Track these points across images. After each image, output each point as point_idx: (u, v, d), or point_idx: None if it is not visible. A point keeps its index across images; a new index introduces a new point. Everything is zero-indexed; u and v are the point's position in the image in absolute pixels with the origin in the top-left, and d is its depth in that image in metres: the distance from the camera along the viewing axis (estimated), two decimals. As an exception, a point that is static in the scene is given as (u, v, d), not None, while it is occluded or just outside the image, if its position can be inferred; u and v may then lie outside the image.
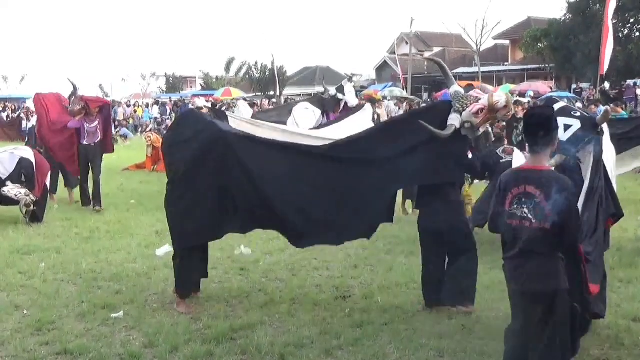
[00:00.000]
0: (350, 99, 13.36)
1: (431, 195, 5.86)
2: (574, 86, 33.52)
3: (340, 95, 13.32)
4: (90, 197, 11.10)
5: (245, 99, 30.09)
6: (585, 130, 5.08)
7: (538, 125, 3.86)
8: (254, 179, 5.73)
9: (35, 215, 9.72)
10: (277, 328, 5.46)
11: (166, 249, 8.00)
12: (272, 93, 43.42)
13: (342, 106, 13.25)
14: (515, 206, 3.79)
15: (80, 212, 10.91)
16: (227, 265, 7.43)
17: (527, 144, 4.05)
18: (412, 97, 34.24)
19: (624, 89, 27.26)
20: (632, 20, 32.24)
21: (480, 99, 5.51)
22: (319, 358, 4.86)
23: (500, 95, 5.54)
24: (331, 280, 6.82)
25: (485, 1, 74.02)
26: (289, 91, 47.77)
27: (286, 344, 5.05)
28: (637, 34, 32.46)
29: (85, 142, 11.09)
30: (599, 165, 5.00)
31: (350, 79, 14.66)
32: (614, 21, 22.66)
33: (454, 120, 5.51)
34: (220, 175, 5.75)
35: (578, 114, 5.26)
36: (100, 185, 11.07)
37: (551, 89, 32.50)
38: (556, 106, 5.31)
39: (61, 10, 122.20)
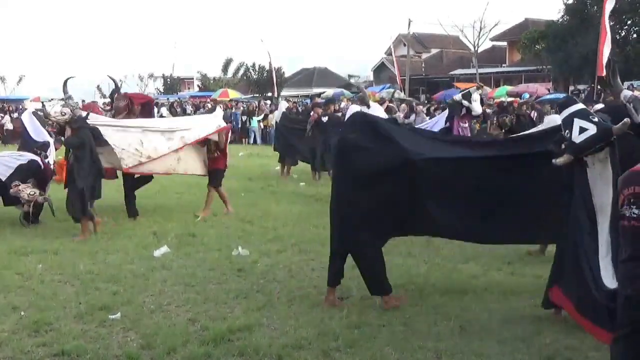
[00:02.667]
0: (475, 107, 12.99)
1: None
2: (571, 88, 33.56)
3: (465, 102, 13.04)
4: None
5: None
6: (599, 137, 5.02)
7: None
8: (428, 203, 5.87)
9: (31, 217, 9.65)
10: (275, 329, 5.45)
11: (164, 250, 8.00)
12: (269, 94, 43.39)
13: (463, 112, 12.91)
14: (626, 207, 3.71)
15: (77, 213, 10.86)
16: (224, 266, 7.42)
17: None
18: (409, 98, 34.36)
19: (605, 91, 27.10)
20: (629, 22, 32.31)
21: None
22: (316, 359, 4.86)
23: None
24: (329, 281, 6.81)
25: (482, 3, 74.24)
26: (286, 92, 47.72)
27: (284, 345, 5.05)
28: (635, 35, 32.53)
29: None
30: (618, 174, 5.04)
31: (480, 87, 14.17)
32: (612, 23, 22.67)
33: None
34: (398, 194, 5.81)
35: (596, 119, 5.16)
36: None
37: (549, 90, 32.55)
38: (575, 107, 5.27)
39: (59, 11, 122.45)
